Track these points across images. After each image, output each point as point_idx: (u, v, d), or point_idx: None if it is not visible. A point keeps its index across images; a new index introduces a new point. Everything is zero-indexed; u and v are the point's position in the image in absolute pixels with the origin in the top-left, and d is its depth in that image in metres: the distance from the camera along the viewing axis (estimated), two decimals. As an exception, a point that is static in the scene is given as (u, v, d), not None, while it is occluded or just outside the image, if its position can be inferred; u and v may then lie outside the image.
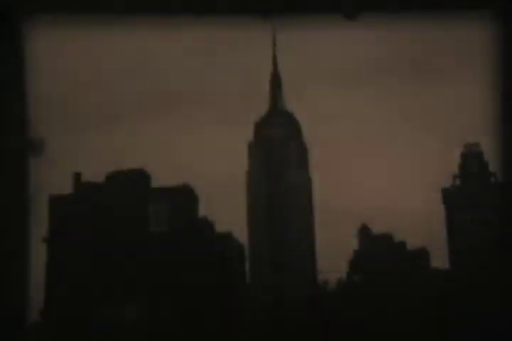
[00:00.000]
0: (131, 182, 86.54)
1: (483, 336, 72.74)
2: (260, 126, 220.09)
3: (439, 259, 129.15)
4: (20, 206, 13.22)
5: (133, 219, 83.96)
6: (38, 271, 79.79)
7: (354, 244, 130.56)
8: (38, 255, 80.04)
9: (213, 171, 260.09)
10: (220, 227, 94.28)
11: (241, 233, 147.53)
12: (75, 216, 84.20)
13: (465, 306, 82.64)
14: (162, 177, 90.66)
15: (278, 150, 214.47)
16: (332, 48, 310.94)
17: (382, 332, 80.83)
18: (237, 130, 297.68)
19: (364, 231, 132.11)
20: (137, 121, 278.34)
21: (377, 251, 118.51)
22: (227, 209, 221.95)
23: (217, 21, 13.78)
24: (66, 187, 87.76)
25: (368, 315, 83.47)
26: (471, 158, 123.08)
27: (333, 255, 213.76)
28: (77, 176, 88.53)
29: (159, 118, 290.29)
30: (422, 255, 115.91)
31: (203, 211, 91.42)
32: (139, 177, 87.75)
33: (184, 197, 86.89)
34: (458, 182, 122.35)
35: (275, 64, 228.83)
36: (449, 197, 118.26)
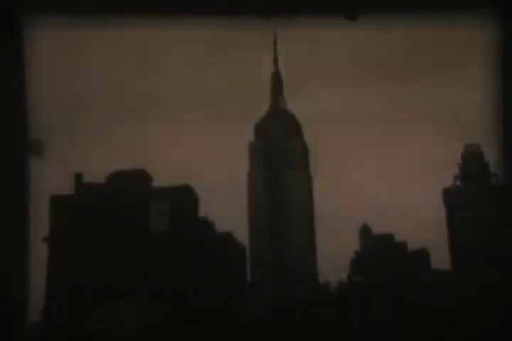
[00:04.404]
0: (132, 183, 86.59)
1: (484, 336, 72.72)
2: (261, 126, 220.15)
3: (440, 260, 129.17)
4: (20, 206, 13.21)
5: (133, 219, 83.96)
6: (38, 271, 79.79)
7: (355, 244, 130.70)
8: (38, 255, 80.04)
9: (213, 171, 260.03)
10: (221, 227, 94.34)
11: (241, 233, 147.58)
12: (75, 216, 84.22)
13: (465, 306, 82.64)
14: (162, 177, 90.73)
15: (278, 150, 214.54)
16: (332, 48, 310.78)
17: (383, 332, 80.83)
18: (238, 130, 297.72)
19: (365, 232, 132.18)
20: (137, 121, 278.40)
21: (378, 251, 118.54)
22: (228, 210, 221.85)
23: (217, 21, 13.78)
24: (66, 187, 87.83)
25: (369, 316, 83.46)
26: (471, 158, 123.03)
27: (334, 255, 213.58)
28: (79, 177, 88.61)
29: (159, 118, 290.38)
30: (422, 255, 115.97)
31: (203, 211, 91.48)
32: (140, 177, 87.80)
33: (184, 197, 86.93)
34: (458, 182, 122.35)
35: (276, 64, 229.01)
36: (449, 197, 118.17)
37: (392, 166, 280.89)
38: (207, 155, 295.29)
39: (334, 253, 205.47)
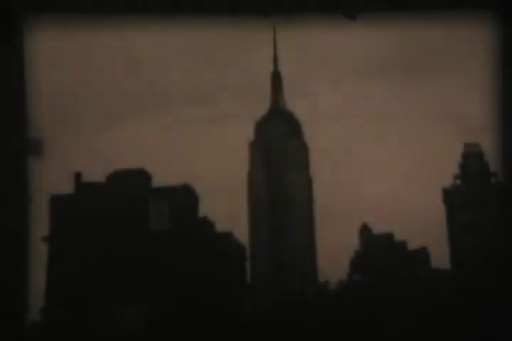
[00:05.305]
0: (131, 182, 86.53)
1: (484, 337, 72.73)
2: (261, 126, 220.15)
3: (440, 259, 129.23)
4: (20, 206, 13.21)
5: (133, 219, 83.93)
6: (38, 271, 79.76)
7: (355, 243, 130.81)
8: (38, 255, 80.00)
9: (213, 171, 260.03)
10: (221, 227, 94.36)
11: (242, 233, 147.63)
12: (75, 216, 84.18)
13: (465, 306, 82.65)
14: (162, 177, 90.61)
15: (278, 150, 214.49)
16: (332, 48, 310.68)
17: (382, 332, 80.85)
18: (238, 130, 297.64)
19: (365, 231, 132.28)
20: (137, 120, 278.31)
21: (377, 251, 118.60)
22: (228, 209, 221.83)
23: (218, 21, 13.78)
24: (66, 187, 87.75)
25: (368, 315, 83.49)
26: (471, 158, 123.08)
27: (333, 255, 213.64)
28: (78, 176, 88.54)
29: (159, 118, 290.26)
30: (422, 255, 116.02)
31: (203, 211, 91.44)
32: (139, 177, 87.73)
33: (184, 197, 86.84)
34: (458, 182, 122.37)
35: (276, 63, 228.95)
36: (449, 197, 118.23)
37: (392, 166, 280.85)
38: (207, 154, 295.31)
39: (334, 253, 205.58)
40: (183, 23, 13.80)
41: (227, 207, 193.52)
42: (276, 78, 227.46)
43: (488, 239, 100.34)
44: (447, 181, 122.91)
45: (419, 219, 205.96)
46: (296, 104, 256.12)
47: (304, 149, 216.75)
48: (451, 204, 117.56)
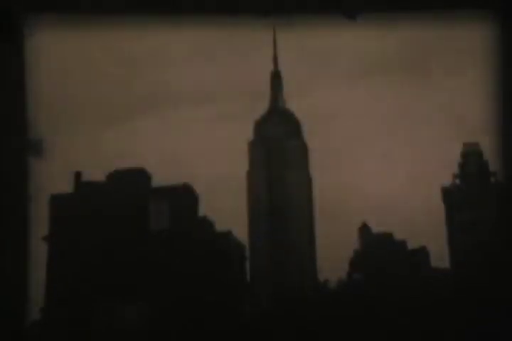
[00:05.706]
0: (131, 182, 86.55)
1: (483, 336, 72.70)
2: (260, 126, 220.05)
3: (439, 259, 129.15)
4: (20, 206, 13.21)
5: (133, 218, 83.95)
6: (38, 271, 79.72)
7: (354, 243, 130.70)
8: (38, 255, 79.95)
9: (213, 171, 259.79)
10: (220, 227, 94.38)
11: (241, 232, 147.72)
12: (74, 215, 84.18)
13: (465, 306, 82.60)
14: (162, 177, 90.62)
15: (278, 149, 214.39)
16: (332, 48, 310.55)
17: (382, 331, 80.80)
18: (237, 129, 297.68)
19: (364, 231, 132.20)
20: (137, 120, 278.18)
21: (377, 250, 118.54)
22: (227, 209, 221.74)
23: (218, 20, 13.78)
24: (66, 187, 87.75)
25: (368, 315, 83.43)
26: (470, 157, 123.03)
27: (333, 254, 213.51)
28: (78, 175, 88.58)
29: (159, 117, 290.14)
30: (422, 255, 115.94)
31: (203, 211, 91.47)
32: (139, 177, 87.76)
33: (184, 197, 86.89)
34: (458, 181, 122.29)
35: (275, 63, 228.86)
36: (449, 196, 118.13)
37: (392, 166, 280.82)
38: (207, 154, 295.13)
39: (334, 252, 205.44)
40: (183, 23, 13.80)
41: (227, 207, 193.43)
42: (276, 78, 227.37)
43: (487, 238, 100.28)
44: (447, 181, 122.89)
45: (419, 219, 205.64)
46: (296, 104, 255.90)
47: (303, 149, 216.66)
48: (451, 203, 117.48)
